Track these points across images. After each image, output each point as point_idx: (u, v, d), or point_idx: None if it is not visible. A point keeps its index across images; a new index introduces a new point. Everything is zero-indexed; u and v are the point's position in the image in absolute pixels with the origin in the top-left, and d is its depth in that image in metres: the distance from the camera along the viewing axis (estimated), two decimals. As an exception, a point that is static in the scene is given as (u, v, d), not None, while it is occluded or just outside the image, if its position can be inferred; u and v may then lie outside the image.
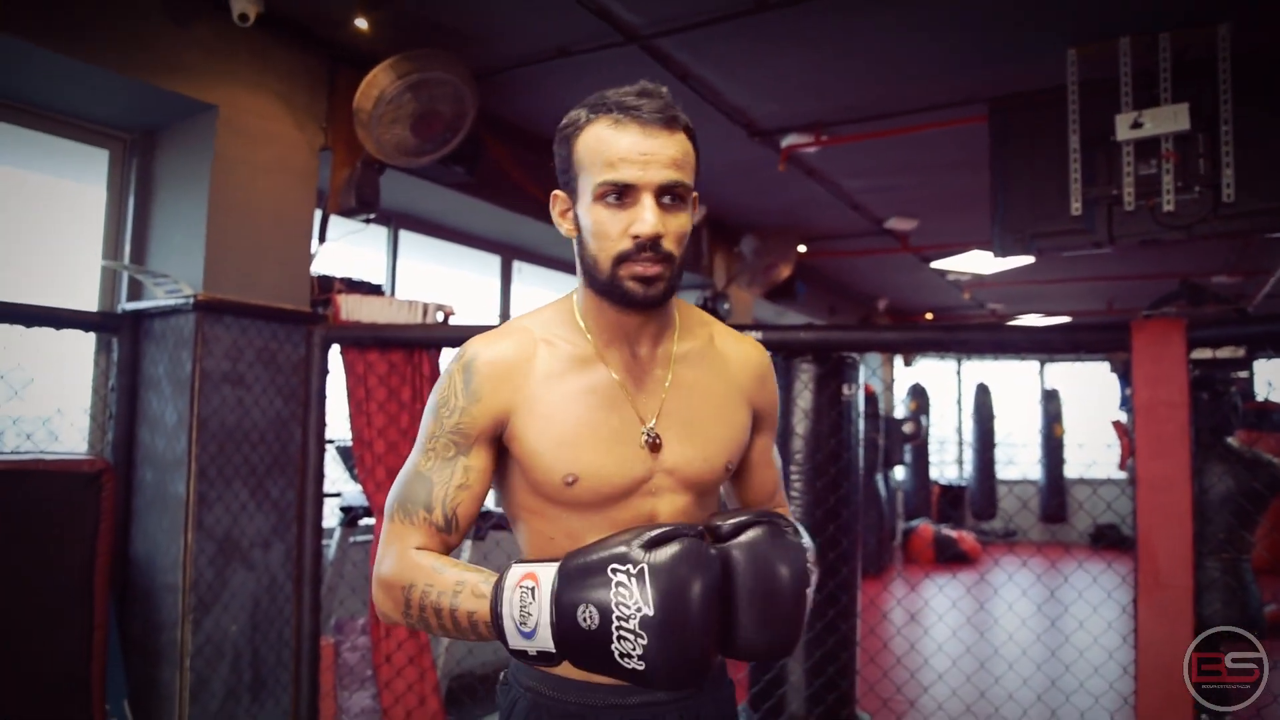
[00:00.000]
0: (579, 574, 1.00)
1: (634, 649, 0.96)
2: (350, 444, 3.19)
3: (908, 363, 10.36)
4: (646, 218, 1.10)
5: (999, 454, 10.08)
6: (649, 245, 1.11)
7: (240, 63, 3.06)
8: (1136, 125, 2.87)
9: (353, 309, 3.20)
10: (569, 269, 5.50)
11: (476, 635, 1.08)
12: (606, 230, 1.12)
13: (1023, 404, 10.37)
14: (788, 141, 4.04)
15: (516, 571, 1.04)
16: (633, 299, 1.13)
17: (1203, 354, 2.74)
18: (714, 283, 5.90)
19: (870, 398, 7.14)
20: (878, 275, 7.78)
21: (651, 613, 0.96)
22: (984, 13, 3.02)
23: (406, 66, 3.17)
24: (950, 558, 8.30)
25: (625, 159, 1.10)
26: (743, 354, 1.33)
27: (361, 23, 3.08)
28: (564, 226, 1.20)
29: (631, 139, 1.11)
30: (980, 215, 3.87)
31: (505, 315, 5.07)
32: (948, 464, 10.95)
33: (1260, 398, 9.10)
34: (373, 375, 3.06)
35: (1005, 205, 3.22)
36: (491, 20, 3.16)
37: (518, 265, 5.17)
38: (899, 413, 9.46)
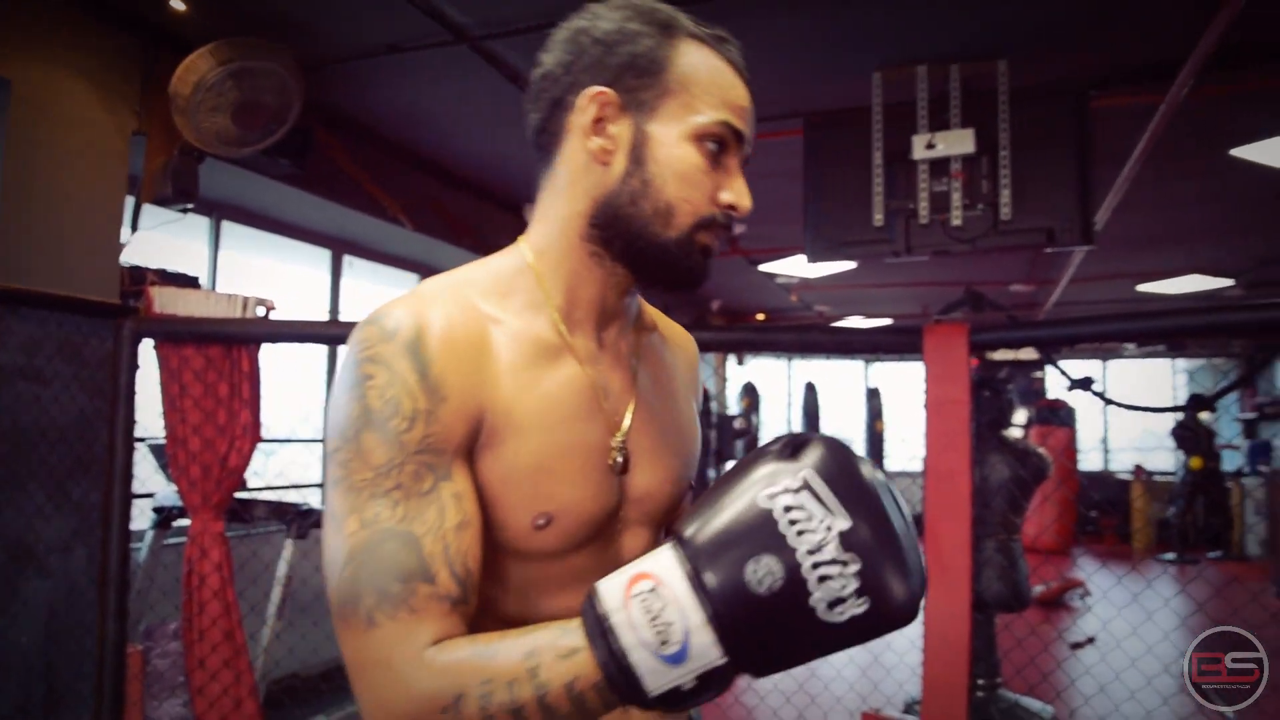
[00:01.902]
0: (719, 530, 0.68)
1: (845, 585, 0.65)
2: (163, 442, 3.06)
3: (740, 361, 10.77)
4: (745, 188, 0.87)
5: (825, 449, 10.62)
6: (730, 221, 0.89)
7: (39, 36, 2.88)
8: (930, 146, 3.15)
9: (167, 302, 3.07)
10: (402, 265, 5.44)
11: (583, 713, 0.70)
12: (697, 180, 0.84)
13: (848, 401, 11.00)
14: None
15: (610, 588, 0.69)
16: (694, 275, 0.88)
17: (1005, 355, 3.02)
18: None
19: (705, 395, 7.41)
20: (711, 277, 8.04)
21: (849, 523, 0.66)
22: (803, 34, 3.23)
23: (228, 53, 3.07)
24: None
25: (741, 108, 0.87)
26: (684, 342, 1.08)
27: (178, 3, 2.96)
28: (593, 142, 0.84)
29: (743, 91, 0.89)
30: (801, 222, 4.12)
31: (335, 311, 4.96)
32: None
33: (1050, 396, 10.02)
34: (188, 371, 2.95)
35: (817, 214, 3.45)
36: (319, 12, 3.11)
37: (348, 260, 5.06)
38: (732, 410, 9.84)
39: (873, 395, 10.47)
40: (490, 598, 0.84)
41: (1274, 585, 7.64)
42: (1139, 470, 10.58)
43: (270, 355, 3.00)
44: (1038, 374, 10.57)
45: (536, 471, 0.82)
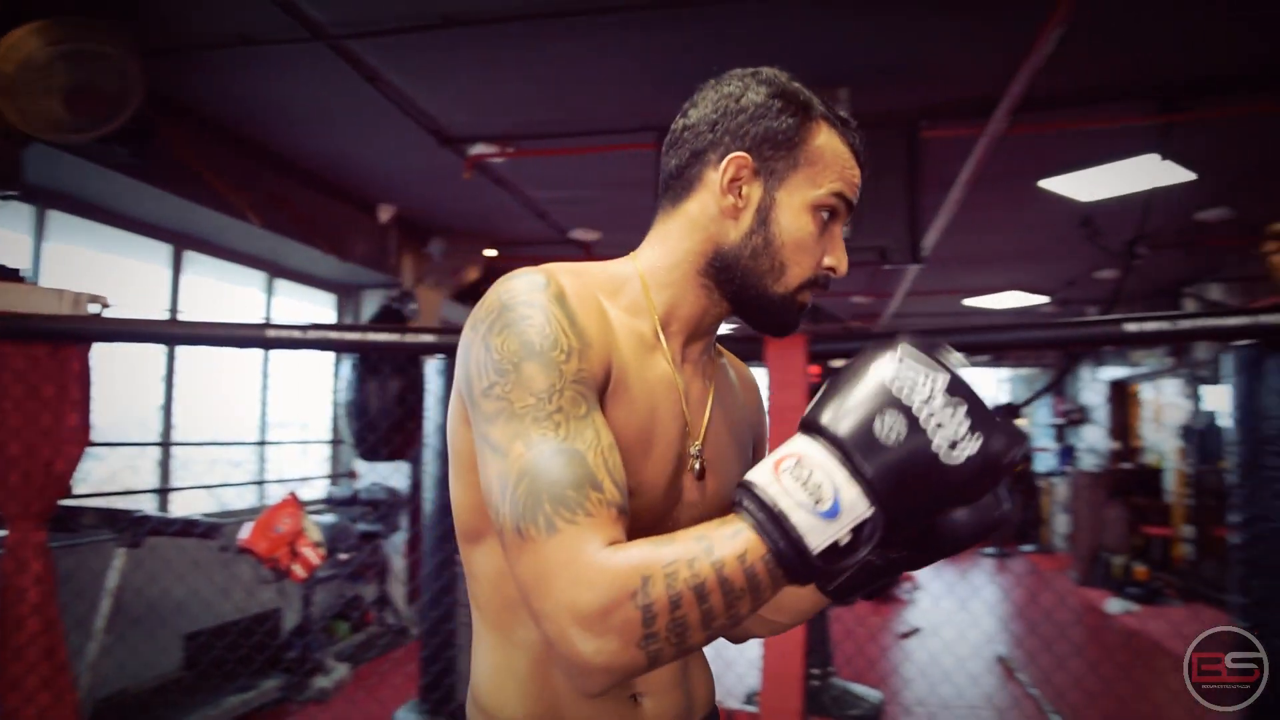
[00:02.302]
0: (840, 404, 0.77)
1: (959, 428, 0.75)
2: (-22, 446, 2.86)
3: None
4: (844, 254, 0.99)
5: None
6: (828, 281, 1.00)
7: None
8: (776, 167, 3.32)
9: (-16, 296, 2.87)
10: (249, 262, 5.24)
11: (752, 593, 0.76)
12: (810, 247, 0.96)
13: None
14: (475, 151, 4.17)
15: (759, 472, 0.78)
16: (788, 326, 0.99)
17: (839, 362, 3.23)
18: (401, 282, 5.90)
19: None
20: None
21: (948, 376, 0.77)
22: (656, 50, 3.34)
23: (59, 33, 2.90)
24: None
25: (855, 185, 0.99)
26: (749, 376, 1.19)
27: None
28: (726, 199, 0.96)
29: (857, 171, 1.00)
30: (653, 233, 4.25)
31: (174, 309, 4.72)
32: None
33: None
34: (7, 370, 2.77)
35: (670, 227, 3.56)
36: (167, -4, 2.99)
37: (190, 255, 4.83)
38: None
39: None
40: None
41: (1072, 574, 8.40)
42: (963, 471, 11.36)
43: (103, 355, 2.86)
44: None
45: (635, 439, 0.90)
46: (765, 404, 1.23)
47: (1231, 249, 6.16)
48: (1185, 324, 2.56)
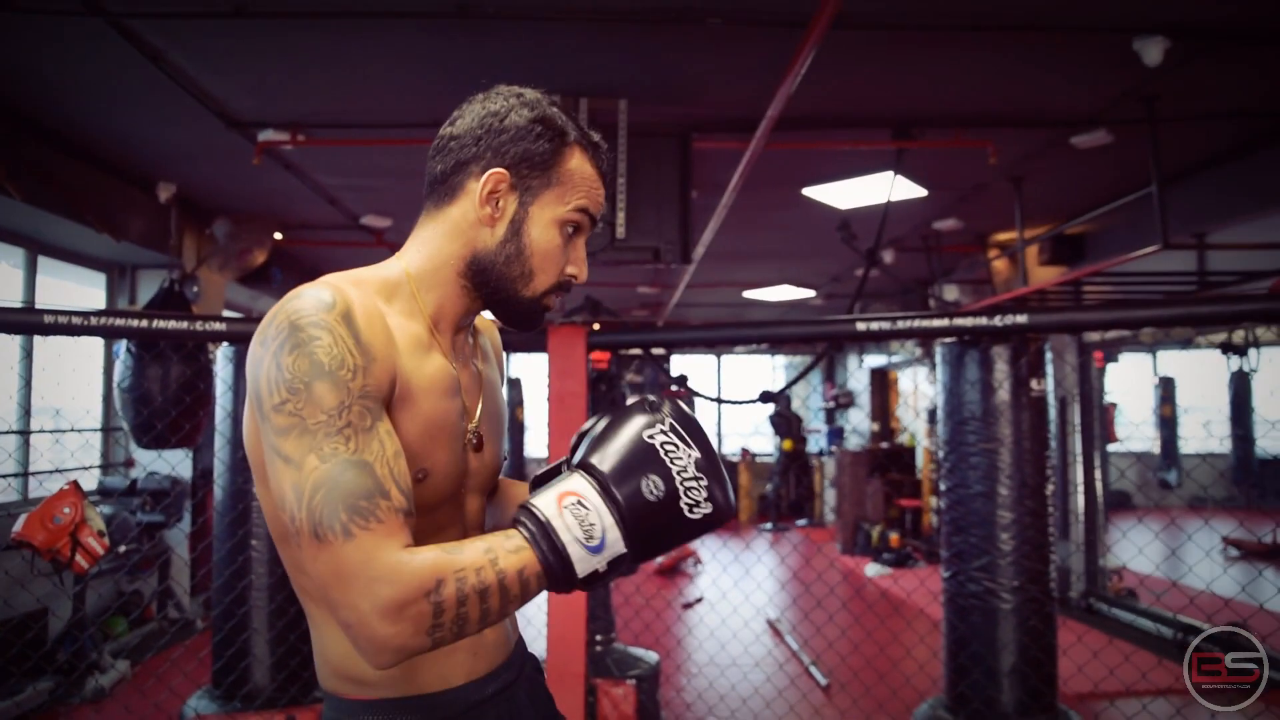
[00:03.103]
0: (618, 459, 0.98)
1: (699, 495, 0.98)
2: None
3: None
4: (585, 262, 1.15)
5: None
6: (570, 286, 1.15)
7: None
8: (560, 169, 3.57)
9: None
10: (5, 238, 4.90)
11: (523, 597, 0.94)
12: (556, 257, 1.11)
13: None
14: (264, 137, 4.15)
15: (543, 502, 0.96)
16: (534, 324, 1.15)
17: (635, 351, 3.51)
18: (183, 264, 5.69)
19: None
20: (355, 265, 8.02)
21: (700, 454, 0.99)
22: (451, 51, 3.48)
23: None
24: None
25: (599, 203, 1.14)
26: (495, 338, 1.33)
27: None
28: (484, 209, 1.09)
29: (602, 190, 1.15)
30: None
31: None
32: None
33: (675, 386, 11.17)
34: None
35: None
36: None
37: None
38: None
39: (513, 385, 11.00)
40: None
41: (838, 543, 9.26)
42: (745, 453, 12.17)
43: None
44: (666, 365, 11.74)
45: (423, 434, 1.03)
46: (545, 386, 1.47)
47: (964, 254, 7.06)
48: (902, 324, 3.03)
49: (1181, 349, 10.29)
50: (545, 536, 0.93)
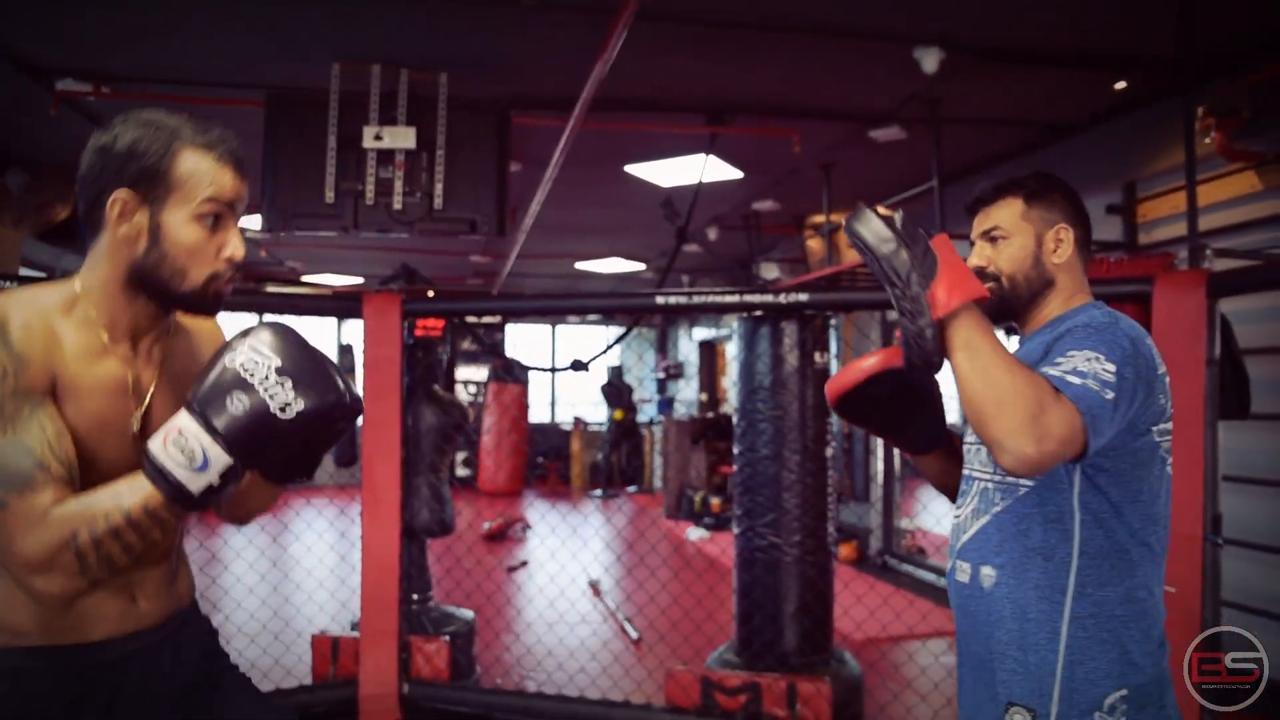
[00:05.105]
0: (205, 387, 1.11)
1: (286, 394, 1.10)
2: None
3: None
4: (239, 242, 1.23)
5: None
6: (237, 266, 1.24)
7: None
8: (378, 138, 3.61)
9: None
10: None
11: (159, 525, 1.11)
12: (203, 249, 1.19)
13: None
14: (63, 86, 3.94)
15: (154, 442, 1.11)
16: (211, 309, 1.24)
17: (489, 319, 3.54)
18: (-27, 218, 5.30)
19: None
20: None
21: (281, 361, 1.11)
22: (269, 13, 3.43)
23: None
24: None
25: (228, 189, 1.21)
26: (209, 328, 1.43)
27: None
28: (121, 230, 1.18)
29: (229, 176, 1.21)
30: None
31: None
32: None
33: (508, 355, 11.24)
34: None
35: (274, 185, 3.70)
36: None
37: None
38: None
39: (345, 351, 10.77)
40: None
41: (664, 509, 9.65)
42: (578, 421, 12.40)
43: None
44: (498, 335, 11.81)
45: (95, 426, 1.18)
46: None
47: (782, 234, 7.47)
48: (698, 299, 3.26)
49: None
50: (156, 471, 1.09)
